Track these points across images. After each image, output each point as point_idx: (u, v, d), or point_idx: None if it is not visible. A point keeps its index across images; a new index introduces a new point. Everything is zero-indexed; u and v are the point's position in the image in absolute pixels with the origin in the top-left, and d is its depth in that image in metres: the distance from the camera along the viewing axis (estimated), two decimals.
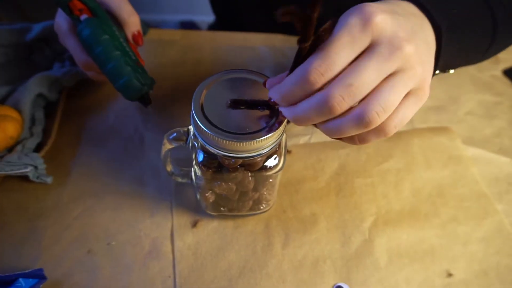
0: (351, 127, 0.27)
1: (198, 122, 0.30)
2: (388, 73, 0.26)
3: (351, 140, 0.30)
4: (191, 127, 0.36)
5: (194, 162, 0.36)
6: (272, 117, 0.31)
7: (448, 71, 0.41)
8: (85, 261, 0.43)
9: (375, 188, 0.52)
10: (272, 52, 0.68)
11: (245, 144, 0.30)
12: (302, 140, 0.56)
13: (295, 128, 0.56)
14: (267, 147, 0.32)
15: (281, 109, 0.29)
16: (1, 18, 1.55)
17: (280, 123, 0.31)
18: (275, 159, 0.36)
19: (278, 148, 0.35)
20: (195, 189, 0.45)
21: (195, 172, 0.39)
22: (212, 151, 0.32)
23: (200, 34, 0.72)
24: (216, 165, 0.34)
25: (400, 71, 0.27)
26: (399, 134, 0.58)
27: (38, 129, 0.51)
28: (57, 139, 0.52)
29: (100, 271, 0.42)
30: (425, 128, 0.60)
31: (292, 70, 0.28)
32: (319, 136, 0.56)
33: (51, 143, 0.50)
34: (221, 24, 0.88)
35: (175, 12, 1.79)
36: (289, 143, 0.56)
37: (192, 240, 0.45)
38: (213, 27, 0.95)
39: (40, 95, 0.52)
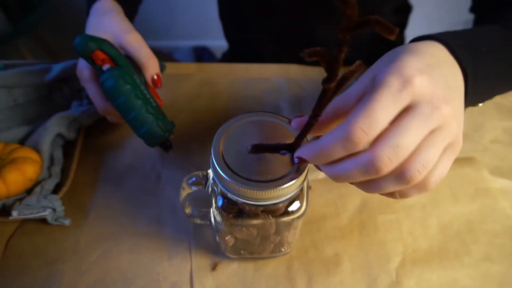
0: (393, 185, 0.27)
1: (219, 170, 0.30)
2: (428, 132, 0.27)
3: (391, 195, 0.30)
4: (209, 171, 0.36)
5: (213, 207, 0.35)
6: (294, 162, 0.30)
7: (477, 105, 0.40)
8: None
9: (400, 225, 0.50)
10: (288, 83, 0.68)
11: (267, 192, 0.29)
12: (322, 174, 0.55)
13: None
14: (290, 193, 0.31)
15: (320, 166, 0.29)
16: (24, 54, 1.60)
17: (303, 168, 0.30)
18: (297, 203, 0.34)
19: (300, 191, 0.34)
20: (214, 231, 0.43)
21: (214, 216, 0.38)
22: (233, 198, 0.31)
23: (215, 66, 0.72)
24: (236, 211, 0.33)
25: (438, 128, 0.27)
26: None
27: (57, 169, 0.51)
28: (75, 178, 0.52)
29: None
30: None
31: (316, 110, 0.27)
32: None
33: (69, 184, 0.50)
34: (234, 50, 0.89)
35: (188, 38, 1.83)
36: (309, 178, 0.54)
37: (212, 284, 0.44)
38: (226, 55, 0.95)
39: (59, 135, 0.52)
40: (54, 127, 0.51)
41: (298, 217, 0.35)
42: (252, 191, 0.29)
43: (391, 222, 0.50)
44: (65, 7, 1.78)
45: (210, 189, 0.35)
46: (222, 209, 0.33)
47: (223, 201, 0.33)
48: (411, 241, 0.49)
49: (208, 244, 0.47)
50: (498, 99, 0.66)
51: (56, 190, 0.50)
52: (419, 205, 0.52)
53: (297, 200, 0.34)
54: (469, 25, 0.51)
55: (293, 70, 0.70)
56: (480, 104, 0.41)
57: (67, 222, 0.47)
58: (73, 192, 0.51)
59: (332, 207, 0.51)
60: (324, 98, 0.26)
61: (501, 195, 0.53)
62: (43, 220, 0.47)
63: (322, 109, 0.27)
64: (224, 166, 0.30)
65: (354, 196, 0.52)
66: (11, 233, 0.48)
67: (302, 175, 0.30)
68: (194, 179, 0.36)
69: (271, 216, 0.34)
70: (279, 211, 0.33)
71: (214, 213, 0.36)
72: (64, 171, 0.51)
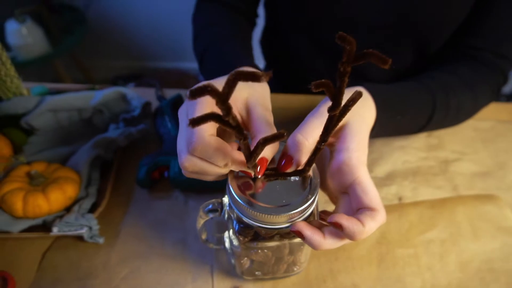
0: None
1: (236, 197, 0.32)
2: None
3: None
4: (224, 199, 0.38)
5: (230, 231, 0.37)
6: (304, 186, 0.32)
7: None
8: None
9: (418, 260, 0.51)
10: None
11: (282, 217, 0.31)
12: None
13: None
14: (302, 216, 0.33)
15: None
16: (60, 71, 1.71)
17: (313, 193, 0.32)
18: None
19: (311, 214, 0.35)
20: (229, 255, 0.45)
21: (230, 240, 0.40)
22: (249, 222, 0.33)
23: None
24: (252, 234, 0.35)
25: None
26: (443, 202, 0.57)
27: (94, 189, 0.55)
28: (109, 199, 0.56)
29: None
30: (471, 195, 0.58)
31: (323, 136, 0.30)
32: None
33: (104, 205, 0.53)
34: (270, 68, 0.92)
35: None
36: (330, 207, 0.56)
37: None
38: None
39: (97, 157, 0.56)
40: (93, 149, 0.55)
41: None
42: (267, 216, 0.31)
43: (409, 257, 0.51)
44: (99, 31, 1.89)
45: (226, 216, 0.37)
46: (238, 234, 0.35)
47: (239, 226, 0.35)
48: (429, 277, 0.49)
49: (229, 267, 0.49)
50: None
51: (92, 209, 0.53)
52: (438, 241, 0.53)
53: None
54: None
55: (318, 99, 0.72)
56: None
57: (101, 240, 0.51)
58: (107, 212, 0.55)
59: None
60: (330, 124, 0.28)
61: None
62: (78, 236, 0.51)
63: (329, 135, 0.30)
64: (239, 193, 0.32)
65: None
66: (47, 247, 0.52)
67: (312, 200, 0.32)
68: (210, 206, 0.38)
69: (285, 238, 0.35)
70: (292, 233, 0.35)
71: (230, 237, 0.38)
72: (100, 192, 0.55)
